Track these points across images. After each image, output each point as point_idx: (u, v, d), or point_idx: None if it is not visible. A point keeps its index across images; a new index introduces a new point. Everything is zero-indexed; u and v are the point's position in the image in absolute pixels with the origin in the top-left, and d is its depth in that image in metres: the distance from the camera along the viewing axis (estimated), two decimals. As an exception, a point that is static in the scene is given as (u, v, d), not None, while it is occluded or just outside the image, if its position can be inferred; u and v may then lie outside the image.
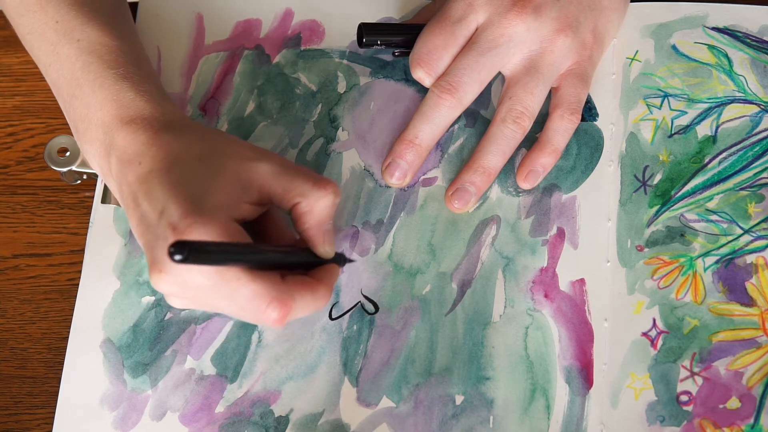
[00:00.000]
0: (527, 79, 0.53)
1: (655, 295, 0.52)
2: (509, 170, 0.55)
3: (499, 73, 0.54)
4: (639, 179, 0.55)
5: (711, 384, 0.50)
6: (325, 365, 0.51)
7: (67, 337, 0.52)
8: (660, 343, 0.51)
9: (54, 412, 0.51)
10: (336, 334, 0.52)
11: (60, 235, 0.55)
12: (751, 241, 0.53)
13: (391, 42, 0.56)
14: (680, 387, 0.50)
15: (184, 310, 0.52)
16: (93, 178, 0.56)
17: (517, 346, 0.51)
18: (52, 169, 0.55)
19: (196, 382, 0.51)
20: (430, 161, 0.55)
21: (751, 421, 0.49)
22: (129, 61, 0.49)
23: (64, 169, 0.54)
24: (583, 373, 0.51)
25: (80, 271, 0.53)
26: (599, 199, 0.54)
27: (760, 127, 0.55)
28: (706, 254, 0.53)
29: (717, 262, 0.52)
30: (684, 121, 0.56)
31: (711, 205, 0.54)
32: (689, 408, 0.50)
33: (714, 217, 0.53)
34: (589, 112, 0.56)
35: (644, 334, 0.51)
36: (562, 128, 0.54)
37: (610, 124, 0.56)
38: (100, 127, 0.47)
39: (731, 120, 0.56)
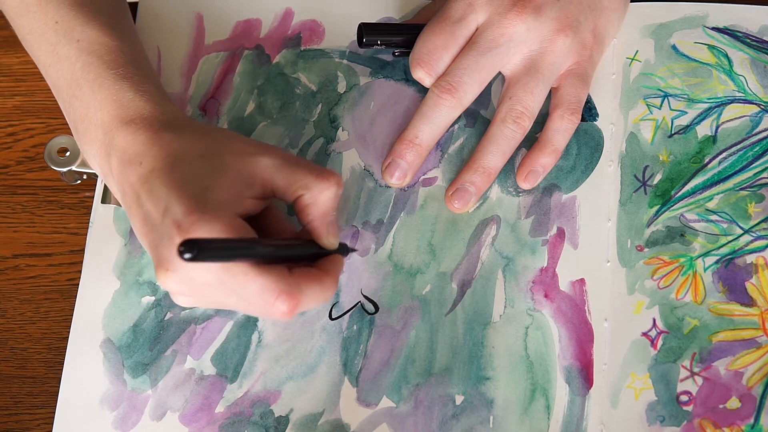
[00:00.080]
0: (527, 79, 0.53)
1: (655, 295, 0.52)
2: (509, 170, 0.55)
3: (499, 73, 0.54)
4: (639, 179, 0.55)
5: (711, 384, 0.50)
6: (325, 365, 0.51)
7: (67, 337, 0.52)
8: (660, 343, 0.51)
9: (54, 412, 0.51)
10: (336, 334, 0.52)
11: (60, 235, 0.55)
12: (751, 241, 0.53)
13: (391, 42, 0.56)
14: (680, 387, 0.50)
15: (184, 309, 0.52)
16: (93, 178, 0.56)
17: (517, 346, 0.51)
18: (52, 169, 0.55)
19: (196, 382, 0.51)
20: (430, 161, 0.55)
21: (751, 421, 0.49)
22: (129, 61, 0.49)
23: (64, 169, 0.54)
24: (583, 373, 0.51)
25: (80, 271, 0.53)
26: (599, 199, 0.54)
27: (760, 127, 0.55)
28: (706, 254, 0.53)
29: (717, 262, 0.52)
30: (684, 121, 0.56)
31: (711, 205, 0.54)
32: (689, 408, 0.50)
33: (714, 217, 0.53)
34: (589, 112, 0.56)
35: (644, 334, 0.51)
36: (562, 128, 0.54)
37: (610, 124, 0.56)
38: (99, 127, 0.47)
39: (731, 120, 0.56)
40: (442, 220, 0.54)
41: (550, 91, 0.55)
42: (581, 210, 0.54)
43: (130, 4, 0.58)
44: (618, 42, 0.58)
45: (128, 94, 0.47)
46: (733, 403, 0.50)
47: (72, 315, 0.52)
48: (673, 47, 0.57)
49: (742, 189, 0.54)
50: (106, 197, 0.54)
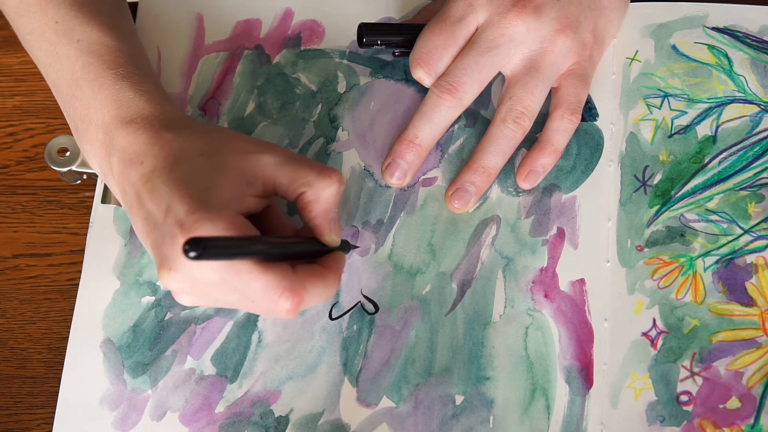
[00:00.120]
0: (527, 79, 0.53)
1: (655, 295, 0.52)
2: (509, 170, 0.55)
3: (499, 73, 0.54)
4: (639, 179, 0.55)
5: (711, 384, 0.50)
6: (325, 365, 0.51)
7: (67, 337, 0.52)
8: (660, 343, 0.51)
9: (54, 412, 0.51)
10: (336, 334, 0.52)
11: (60, 235, 0.55)
12: (751, 241, 0.53)
13: (391, 42, 0.56)
14: (680, 387, 0.50)
15: (184, 309, 0.52)
16: (93, 178, 0.56)
17: (517, 346, 0.51)
18: (52, 169, 0.55)
19: (196, 382, 0.51)
20: (430, 161, 0.55)
21: (751, 421, 0.49)
22: (129, 61, 0.49)
23: (64, 169, 0.54)
24: (583, 373, 0.51)
25: (80, 271, 0.53)
26: (599, 199, 0.54)
27: (760, 127, 0.55)
28: (706, 254, 0.53)
29: (717, 262, 0.52)
30: (684, 121, 0.56)
31: (711, 205, 0.54)
32: (689, 408, 0.50)
33: (714, 217, 0.53)
34: (589, 112, 0.56)
35: (644, 334, 0.51)
36: (562, 128, 0.54)
37: (610, 124, 0.56)
38: (100, 127, 0.47)
39: (731, 120, 0.56)
40: (442, 220, 0.54)
41: (550, 91, 0.55)
42: (581, 210, 0.54)
43: (130, 4, 0.58)
44: (618, 42, 0.58)
45: (128, 94, 0.47)
46: (733, 403, 0.50)
47: (72, 315, 0.52)
48: (673, 47, 0.57)
49: (742, 189, 0.54)
50: (106, 197, 0.54)
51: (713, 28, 0.58)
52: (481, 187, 0.53)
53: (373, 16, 0.59)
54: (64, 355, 0.52)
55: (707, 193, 0.54)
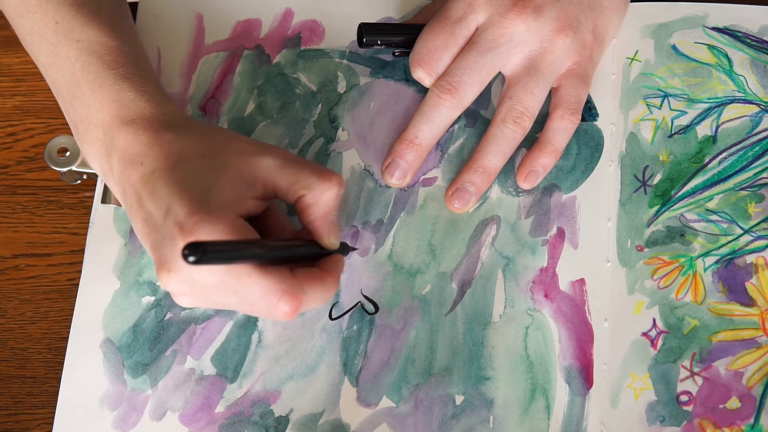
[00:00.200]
0: (527, 79, 0.53)
1: (655, 295, 0.52)
2: (509, 170, 0.55)
3: (500, 73, 0.54)
4: (639, 179, 0.55)
5: (711, 384, 0.50)
6: (325, 365, 0.51)
7: (67, 337, 0.52)
8: (660, 343, 0.51)
9: (54, 412, 0.51)
10: (336, 334, 0.52)
11: (60, 235, 0.55)
12: (751, 241, 0.53)
13: (391, 42, 0.56)
14: (680, 387, 0.50)
15: (184, 309, 0.52)
16: (93, 178, 0.56)
17: (517, 346, 0.51)
18: (52, 169, 0.55)
19: (196, 382, 0.51)
20: (430, 161, 0.55)
21: (751, 421, 0.49)
22: (129, 61, 0.49)
23: (64, 169, 0.54)
24: (583, 373, 0.51)
25: (80, 271, 0.53)
26: (599, 199, 0.54)
27: (760, 127, 0.55)
28: (706, 254, 0.53)
29: (717, 262, 0.52)
30: (684, 121, 0.56)
31: (711, 205, 0.54)
32: (689, 408, 0.50)
33: (714, 217, 0.53)
34: (589, 112, 0.56)
35: (644, 334, 0.51)
36: (562, 128, 0.54)
37: (610, 124, 0.56)
38: (100, 127, 0.47)
39: (731, 120, 0.56)
40: (442, 220, 0.54)
41: (550, 91, 0.55)
42: (581, 210, 0.54)
43: (130, 4, 0.58)
44: (618, 42, 0.58)
45: (128, 94, 0.47)
46: (733, 403, 0.50)
47: (72, 315, 0.52)
48: (673, 47, 0.57)
49: (742, 189, 0.54)
50: (106, 197, 0.54)
51: (713, 28, 0.58)
52: (481, 187, 0.53)
53: (373, 16, 0.59)
54: (64, 355, 0.52)
55: (707, 193, 0.54)
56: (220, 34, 0.59)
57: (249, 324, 0.52)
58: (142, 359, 0.51)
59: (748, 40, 0.57)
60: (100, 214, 0.54)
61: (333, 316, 0.52)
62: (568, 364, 0.51)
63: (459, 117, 0.54)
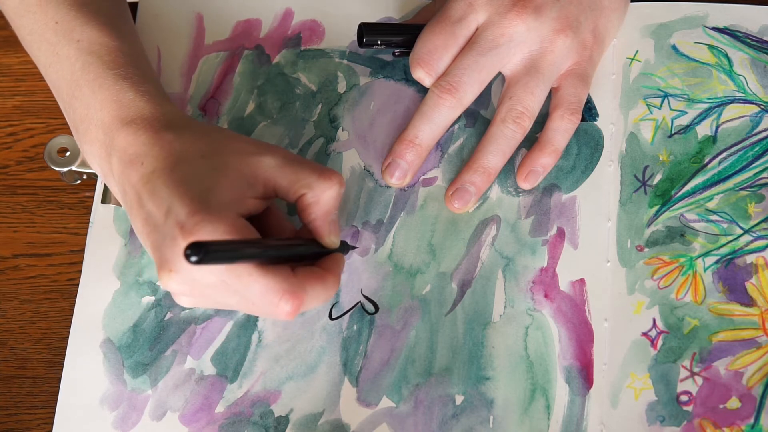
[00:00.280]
0: (527, 79, 0.53)
1: (655, 295, 0.52)
2: (509, 170, 0.55)
3: (500, 73, 0.54)
4: (639, 179, 0.55)
5: (711, 384, 0.50)
6: (325, 365, 0.51)
7: (67, 337, 0.52)
8: (660, 343, 0.51)
9: (54, 412, 0.51)
10: (336, 334, 0.52)
11: (60, 235, 0.55)
12: (751, 241, 0.53)
13: (391, 42, 0.56)
14: (680, 387, 0.50)
15: (184, 309, 0.52)
16: (93, 178, 0.56)
17: (517, 346, 0.51)
18: (52, 169, 0.55)
19: (196, 382, 0.51)
20: (430, 161, 0.55)
21: (751, 421, 0.49)
22: (129, 61, 0.49)
23: (64, 169, 0.54)
24: (583, 373, 0.51)
25: (80, 271, 0.53)
26: (599, 199, 0.54)
27: (760, 127, 0.55)
28: (706, 254, 0.53)
29: (717, 262, 0.52)
30: (684, 121, 0.56)
31: (711, 205, 0.54)
32: (689, 408, 0.50)
33: (714, 217, 0.53)
34: (589, 112, 0.56)
35: (644, 334, 0.51)
36: (562, 128, 0.54)
37: (610, 124, 0.56)
38: (100, 127, 0.47)
39: (731, 120, 0.56)
40: (442, 220, 0.54)
41: (550, 91, 0.55)
42: (581, 210, 0.54)
43: (130, 4, 0.58)
44: (618, 42, 0.58)
45: (128, 95, 0.47)
46: (733, 403, 0.50)
47: (72, 315, 0.52)
48: (673, 47, 0.57)
49: (742, 189, 0.54)
50: (106, 197, 0.54)
51: (713, 28, 0.58)
52: (481, 187, 0.53)
53: (373, 16, 0.59)
54: (64, 355, 0.52)
55: (707, 193, 0.54)
56: (220, 34, 0.59)
57: (249, 324, 0.52)
58: (142, 359, 0.51)
59: (748, 40, 0.57)
60: (100, 214, 0.54)
61: (333, 316, 0.52)
62: (568, 364, 0.51)
63: (459, 117, 0.54)
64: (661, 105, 0.56)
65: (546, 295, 0.52)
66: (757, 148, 0.55)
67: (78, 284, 0.53)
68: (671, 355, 0.51)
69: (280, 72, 0.58)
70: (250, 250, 0.42)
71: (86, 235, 0.54)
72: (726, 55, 0.57)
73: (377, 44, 0.55)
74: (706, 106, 0.56)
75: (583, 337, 0.51)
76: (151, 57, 0.57)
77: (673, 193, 0.54)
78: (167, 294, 0.52)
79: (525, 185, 0.54)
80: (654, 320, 0.51)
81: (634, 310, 0.52)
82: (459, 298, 0.52)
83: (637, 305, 0.52)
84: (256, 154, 0.45)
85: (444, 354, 0.51)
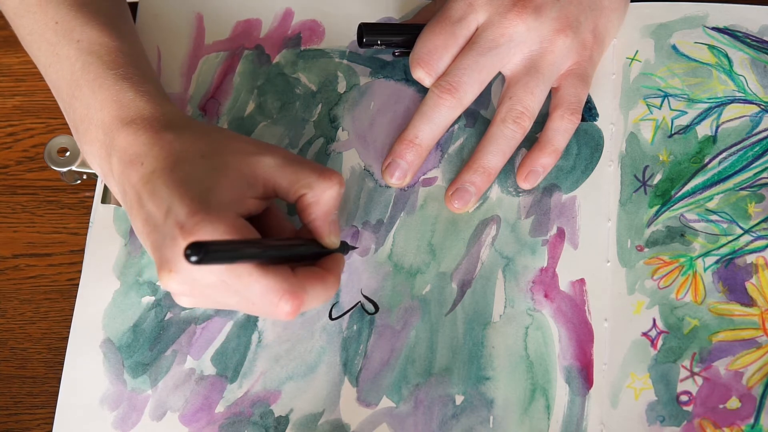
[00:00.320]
0: (527, 79, 0.53)
1: (655, 295, 0.52)
2: (509, 170, 0.55)
3: (500, 73, 0.54)
4: (639, 179, 0.55)
5: (711, 384, 0.50)
6: (325, 365, 0.51)
7: (67, 337, 0.52)
8: (660, 343, 0.51)
9: (54, 412, 0.51)
10: (336, 334, 0.52)
11: (60, 235, 0.55)
12: (751, 241, 0.53)
13: (391, 42, 0.56)
14: (680, 387, 0.50)
15: (184, 309, 0.52)
16: (93, 178, 0.56)
17: (517, 346, 0.51)
18: (52, 169, 0.55)
19: (196, 382, 0.51)
20: (430, 161, 0.55)
21: (751, 421, 0.49)
22: (129, 61, 0.49)
23: (64, 169, 0.54)
24: (583, 373, 0.51)
25: (80, 271, 0.53)
26: (599, 199, 0.54)
27: (760, 127, 0.55)
28: (706, 254, 0.53)
29: (717, 262, 0.52)
30: (684, 121, 0.56)
31: (711, 205, 0.54)
32: (689, 408, 0.50)
33: (714, 217, 0.53)
34: (589, 112, 0.56)
35: (644, 334, 0.51)
36: (562, 128, 0.54)
37: (610, 124, 0.56)
38: (100, 127, 0.47)
39: (731, 120, 0.56)
40: (442, 220, 0.54)
41: (550, 91, 0.55)
42: (581, 210, 0.54)
43: (130, 4, 0.58)
44: (618, 42, 0.58)
45: (128, 95, 0.47)
46: (733, 403, 0.50)
47: (72, 315, 0.52)
48: (673, 47, 0.57)
49: (742, 189, 0.54)
50: (106, 197, 0.54)
51: (713, 28, 0.58)
52: (481, 187, 0.53)
53: (373, 16, 0.59)
54: (64, 355, 0.52)
55: (707, 193, 0.54)
56: (220, 34, 0.59)
57: (249, 324, 0.52)
58: (142, 359, 0.51)
59: (748, 40, 0.57)
60: (100, 214, 0.54)
61: (333, 316, 0.52)
62: (568, 364, 0.51)
63: (459, 117, 0.54)
64: (661, 105, 0.56)
65: (546, 295, 0.52)
66: (757, 148, 0.55)
67: (78, 284, 0.53)
68: (671, 355, 0.51)
69: (280, 72, 0.58)
70: (250, 250, 0.42)
71: (86, 235, 0.54)
72: (726, 55, 0.57)
73: (377, 44, 0.55)
74: (706, 106, 0.56)
75: (583, 337, 0.51)
76: (151, 57, 0.57)
77: (673, 193, 0.54)
78: (167, 294, 0.52)
79: (525, 185, 0.54)
80: (654, 320, 0.51)
81: (634, 310, 0.52)
82: (459, 298, 0.52)
83: (637, 305, 0.52)
84: (256, 154, 0.45)
85: (444, 354, 0.51)
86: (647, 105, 0.56)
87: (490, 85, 0.56)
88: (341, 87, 0.57)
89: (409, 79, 0.57)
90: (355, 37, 0.58)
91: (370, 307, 0.52)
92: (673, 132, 0.56)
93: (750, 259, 0.52)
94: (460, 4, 0.53)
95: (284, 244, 0.46)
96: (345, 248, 0.50)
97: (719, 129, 0.55)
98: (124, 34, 0.51)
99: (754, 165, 0.55)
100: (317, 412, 0.50)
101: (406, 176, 0.54)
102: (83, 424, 0.50)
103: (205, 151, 0.45)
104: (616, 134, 0.56)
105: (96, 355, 0.52)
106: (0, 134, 0.58)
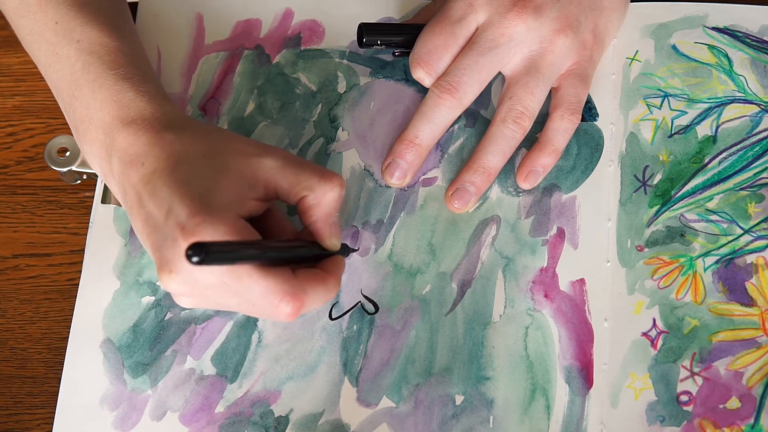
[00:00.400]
0: (527, 79, 0.53)
1: (655, 295, 0.52)
2: (509, 170, 0.55)
3: (500, 73, 0.54)
4: (639, 179, 0.55)
5: (711, 384, 0.50)
6: (325, 365, 0.51)
7: (67, 337, 0.52)
8: (660, 343, 0.51)
9: (54, 412, 0.51)
10: (336, 334, 0.52)
11: (60, 235, 0.55)
12: (751, 241, 0.53)
13: (391, 42, 0.56)
14: (680, 387, 0.50)
15: (184, 310, 0.52)
16: (93, 178, 0.56)
17: (517, 346, 0.51)
18: (52, 169, 0.55)
19: (196, 382, 0.51)
20: (430, 161, 0.55)
21: (751, 421, 0.49)
22: (129, 61, 0.49)
23: (64, 169, 0.54)
24: (583, 373, 0.51)
25: (80, 271, 0.53)
26: (599, 199, 0.54)
27: (760, 127, 0.55)
28: (706, 254, 0.53)
29: (717, 262, 0.52)
30: (684, 121, 0.56)
31: (711, 205, 0.54)
32: (689, 408, 0.50)
33: (714, 217, 0.53)
34: (589, 112, 0.56)
35: (644, 334, 0.51)
36: (562, 128, 0.54)
37: (610, 124, 0.56)
38: (100, 127, 0.47)
39: (731, 120, 0.56)
40: (442, 220, 0.54)
41: (550, 91, 0.55)
42: (581, 210, 0.54)
43: (130, 4, 0.58)
44: (618, 42, 0.58)
45: (129, 95, 0.47)
46: (733, 403, 0.50)
47: (72, 315, 0.52)
48: (673, 47, 0.57)
49: (742, 189, 0.54)
50: (106, 197, 0.54)
51: (713, 28, 0.58)
52: (481, 187, 0.53)
53: (373, 16, 0.59)
54: (64, 355, 0.52)
55: (707, 193, 0.54)
56: (220, 34, 0.59)
57: (249, 324, 0.52)
58: (142, 359, 0.51)
59: (748, 40, 0.57)
60: (100, 214, 0.54)
61: (333, 316, 0.52)
62: (568, 364, 0.51)
63: (459, 117, 0.54)
64: (661, 105, 0.56)
65: (546, 295, 0.52)
66: (757, 148, 0.55)
67: (78, 284, 0.53)
68: (671, 355, 0.51)
69: (280, 72, 0.58)
70: (250, 251, 0.42)
71: (86, 235, 0.54)
72: (726, 55, 0.57)
73: (377, 44, 0.55)
74: (706, 106, 0.56)
75: (583, 337, 0.51)
76: (151, 57, 0.57)
77: (673, 193, 0.54)
78: (167, 294, 0.52)
79: (525, 185, 0.54)
80: (654, 320, 0.51)
81: (634, 310, 0.52)
82: (459, 298, 0.52)
83: (637, 305, 0.52)
84: (257, 156, 0.45)
85: (444, 354, 0.51)
86: (647, 105, 0.56)
87: (490, 85, 0.56)
88: (341, 87, 0.57)
89: (409, 79, 0.57)
90: (355, 37, 0.58)
91: (370, 307, 0.52)
92: (673, 132, 0.56)
93: (750, 259, 0.52)
94: (460, 4, 0.53)
95: (285, 246, 0.46)
96: (346, 251, 0.50)
97: (719, 129, 0.55)
98: (125, 34, 0.51)
99: (754, 165, 0.55)
100: (317, 412, 0.50)
101: (406, 176, 0.54)
102: (83, 424, 0.50)
103: (205, 152, 0.45)
104: (616, 134, 0.56)
105: (96, 355, 0.52)
106: (0, 134, 0.58)
